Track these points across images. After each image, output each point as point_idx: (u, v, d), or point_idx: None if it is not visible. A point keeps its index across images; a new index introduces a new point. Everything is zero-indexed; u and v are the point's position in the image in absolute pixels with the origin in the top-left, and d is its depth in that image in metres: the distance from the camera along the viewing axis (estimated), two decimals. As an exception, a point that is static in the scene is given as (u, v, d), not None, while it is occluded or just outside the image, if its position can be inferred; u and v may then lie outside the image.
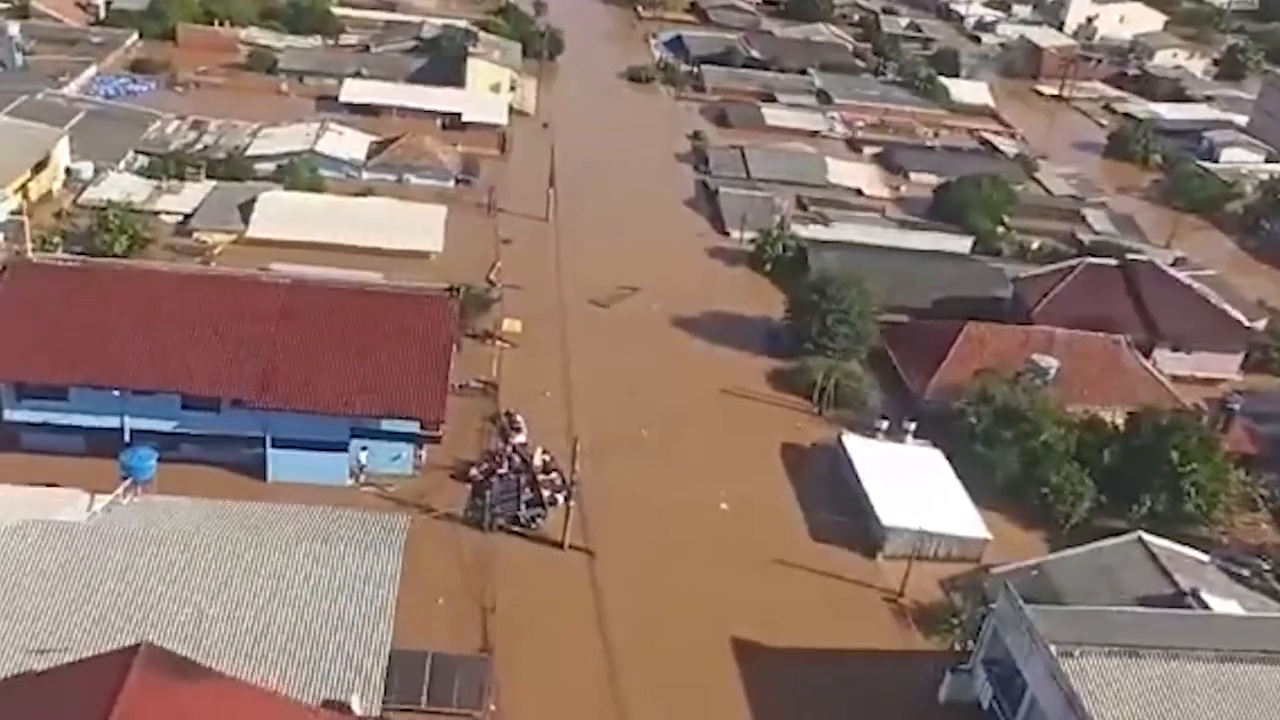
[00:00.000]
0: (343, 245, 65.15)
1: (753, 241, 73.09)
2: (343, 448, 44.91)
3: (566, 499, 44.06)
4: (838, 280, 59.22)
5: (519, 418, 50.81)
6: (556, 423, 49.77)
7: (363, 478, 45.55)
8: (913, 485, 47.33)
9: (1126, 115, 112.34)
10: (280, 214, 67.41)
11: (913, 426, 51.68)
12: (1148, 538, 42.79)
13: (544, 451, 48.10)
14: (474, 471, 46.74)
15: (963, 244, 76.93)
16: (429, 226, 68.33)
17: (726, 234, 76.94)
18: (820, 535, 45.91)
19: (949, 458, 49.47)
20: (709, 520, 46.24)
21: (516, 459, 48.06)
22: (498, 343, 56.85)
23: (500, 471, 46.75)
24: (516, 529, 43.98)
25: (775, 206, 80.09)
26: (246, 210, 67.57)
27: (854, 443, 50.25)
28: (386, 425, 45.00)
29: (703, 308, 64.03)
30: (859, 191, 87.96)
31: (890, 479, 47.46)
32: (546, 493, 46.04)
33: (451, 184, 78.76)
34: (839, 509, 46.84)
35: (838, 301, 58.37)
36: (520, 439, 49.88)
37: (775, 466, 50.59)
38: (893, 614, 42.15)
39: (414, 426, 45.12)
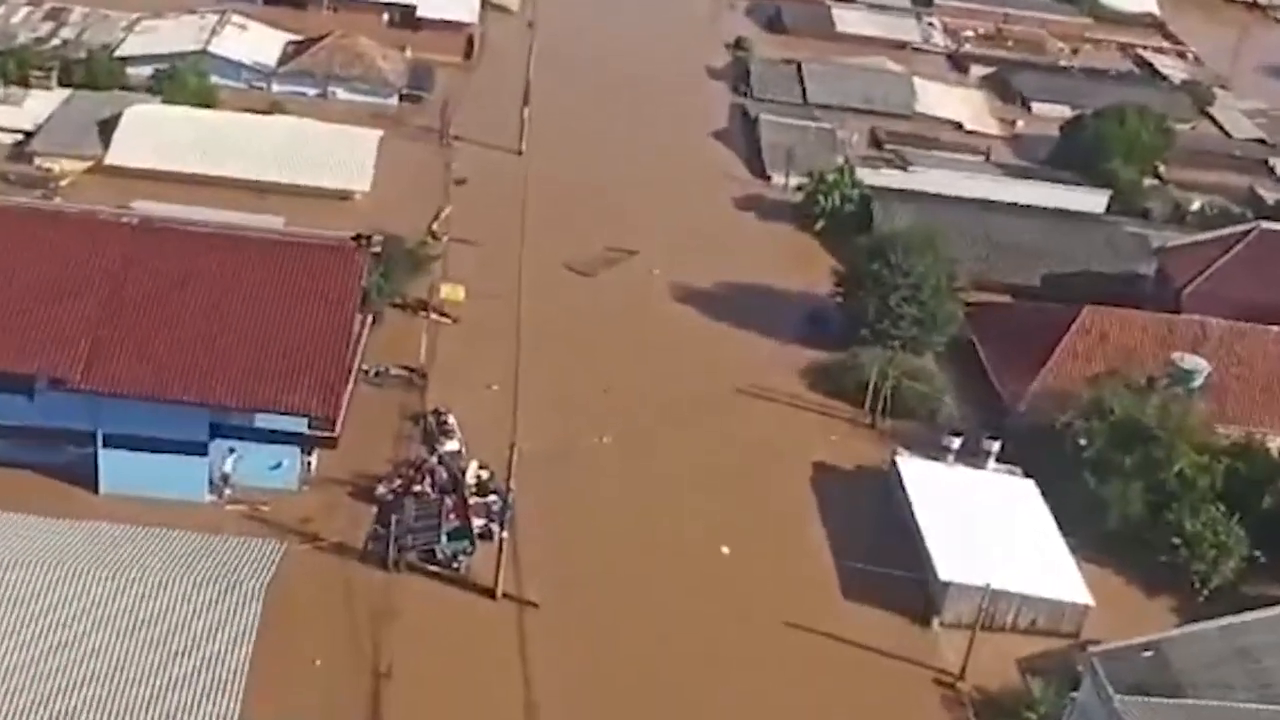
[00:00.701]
0: (233, 179, 65.69)
1: (800, 189, 73.16)
2: (200, 450, 44.84)
3: (501, 529, 43.66)
4: (906, 243, 58.84)
5: (451, 419, 50.53)
6: (503, 428, 49.40)
7: (228, 492, 45.61)
8: (988, 527, 47.01)
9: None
10: (153, 136, 67.83)
11: (995, 446, 51.05)
12: (1316, 613, 41.73)
13: (481, 466, 47.89)
14: (382, 489, 46.64)
15: (1095, 200, 76.89)
16: (354, 158, 68.63)
17: (766, 178, 77.43)
18: (856, 592, 45.39)
19: (1044, 491, 49.32)
20: (702, 567, 45.98)
21: (443, 474, 47.79)
22: (432, 316, 57.06)
23: (418, 489, 46.78)
24: (434, 568, 43.78)
25: (837, 142, 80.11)
26: (109, 130, 68.09)
27: (912, 467, 49.93)
28: (262, 422, 44.88)
29: (722, 277, 64.27)
30: (958, 126, 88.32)
31: (958, 517, 47.22)
32: (479, 521, 45.75)
33: (394, 100, 79.16)
34: (884, 557, 46.20)
35: (905, 272, 57.92)
36: (451, 447, 49.62)
37: (802, 496, 50.28)
38: (946, 703, 41.63)
39: (301, 425, 45.03)
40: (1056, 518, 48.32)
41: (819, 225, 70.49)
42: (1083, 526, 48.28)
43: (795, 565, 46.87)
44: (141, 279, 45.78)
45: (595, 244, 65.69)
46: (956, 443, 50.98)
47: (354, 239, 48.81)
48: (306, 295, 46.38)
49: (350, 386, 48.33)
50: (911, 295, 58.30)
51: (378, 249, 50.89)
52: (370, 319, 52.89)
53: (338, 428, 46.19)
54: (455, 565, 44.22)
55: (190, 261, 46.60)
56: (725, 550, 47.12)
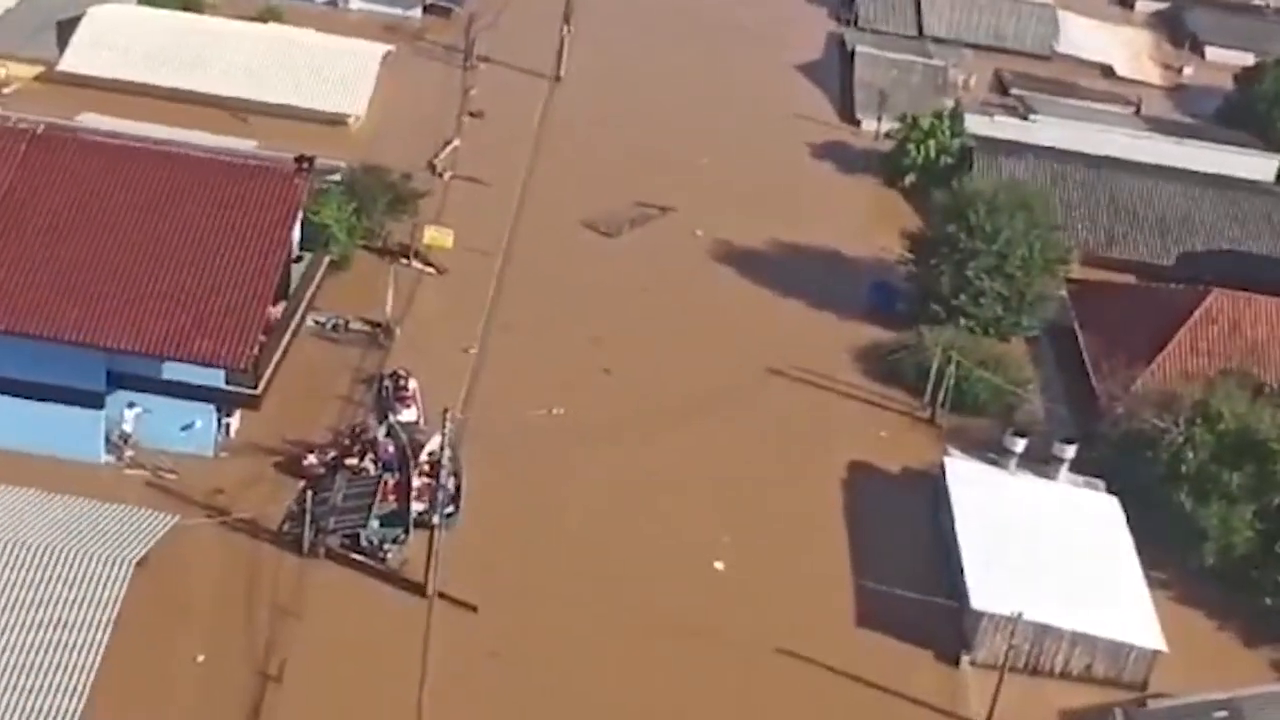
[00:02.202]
0: (208, 96, 66.01)
1: (890, 135, 72.03)
2: (95, 403, 45.01)
3: (434, 514, 42.93)
4: (993, 202, 57.88)
5: (412, 384, 50.34)
6: (475, 399, 49.40)
7: (129, 454, 45.78)
8: (1047, 549, 46.19)
9: None
10: (118, 41, 68.24)
11: (1069, 452, 49.75)
12: None
13: (446, 441, 46.20)
14: (311, 459, 46.50)
15: (1264, 166, 74.91)
16: (351, 77, 68.61)
17: (855, 122, 76.48)
18: (873, 619, 44.57)
19: (1128, 510, 48.58)
20: (687, 581, 45.18)
21: (388, 448, 47.27)
22: (414, 264, 57.59)
23: (353, 464, 46.42)
24: (358, 556, 43.42)
25: (947, 83, 78.74)
26: (69, 32, 68.54)
27: (962, 471, 49.29)
28: (171, 373, 45.18)
29: (780, 239, 64.22)
30: (1108, 71, 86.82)
31: (1008, 535, 46.50)
32: (420, 506, 45.09)
33: (417, 11, 79.56)
34: (915, 578, 45.21)
35: (989, 238, 57.10)
36: (407, 417, 49.18)
37: (827, 502, 49.65)
38: (966, 762, 41.51)
39: (217, 379, 45.27)
40: (1139, 543, 47.41)
41: (908, 180, 69.36)
42: (1172, 556, 47.69)
43: (803, 584, 46.00)
44: (33, 199, 45.83)
45: (625, 197, 65.22)
46: (1020, 445, 49.96)
47: (296, 161, 48.48)
48: (231, 226, 46.28)
49: (287, 338, 48.55)
50: (996, 266, 57.39)
51: (337, 177, 50.67)
52: (327, 261, 52.89)
53: (260, 385, 46.11)
54: (382, 555, 43.65)
55: (95, 181, 46.65)
56: (719, 565, 46.31)
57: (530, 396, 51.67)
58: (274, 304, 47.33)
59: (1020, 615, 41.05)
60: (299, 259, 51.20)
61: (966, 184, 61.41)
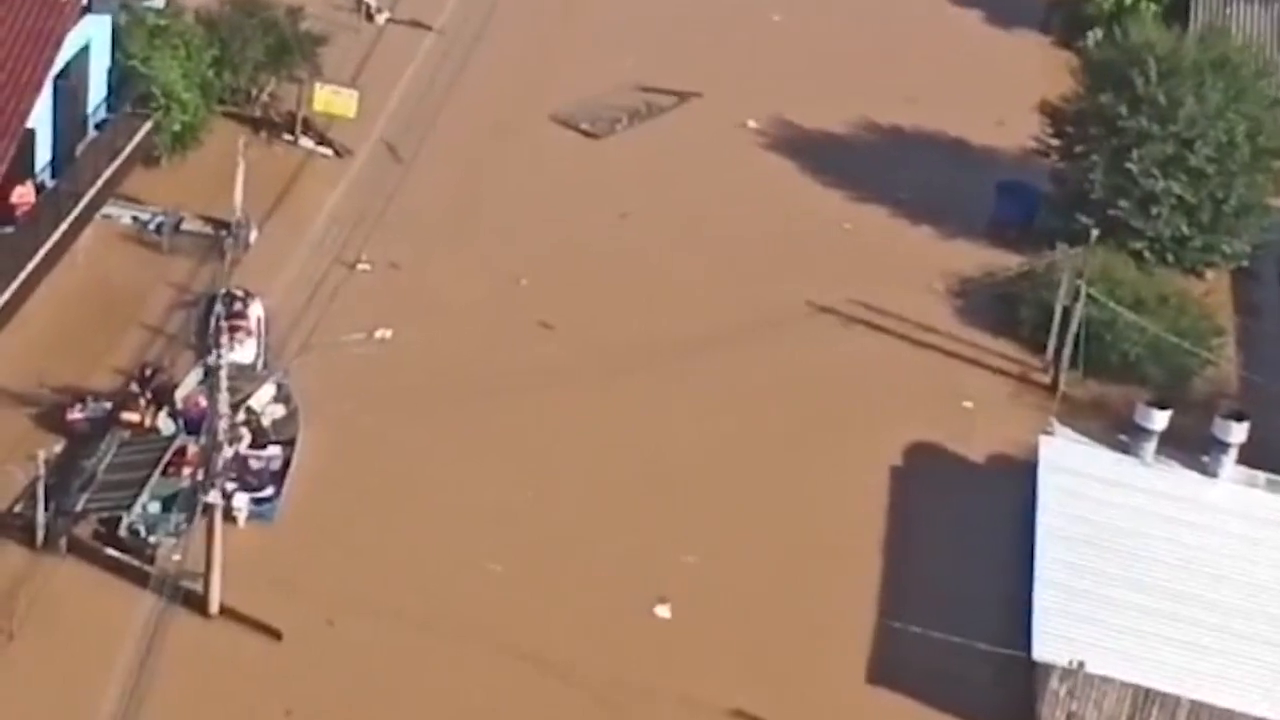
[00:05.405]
0: None
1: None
2: None
3: (209, 491, 41.44)
4: (1173, 59, 56.85)
5: (254, 310, 49.84)
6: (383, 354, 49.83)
7: None
8: (1182, 577, 45.00)
9: None
10: None
11: (1238, 434, 47.73)
12: None
13: (280, 395, 47.88)
14: (76, 414, 46.01)
15: None
16: None
17: None
18: (890, 672, 43.23)
19: None
20: (624, 606, 44.41)
21: (198, 398, 46.42)
22: (303, 140, 58.44)
23: (130, 419, 45.98)
24: (117, 548, 42.87)
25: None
26: None
27: (1061, 456, 47.93)
28: None
29: (877, 120, 65.38)
30: None
31: (1117, 554, 45.42)
32: (230, 486, 43.89)
33: None
34: (969, 615, 44.10)
35: (1163, 112, 55.73)
36: (240, 355, 48.05)
37: (865, 500, 48.71)
38: None
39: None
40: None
41: (1090, 37, 67.65)
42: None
43: (799, 619, 44.88)
44: None
45: (629, 77, 66.39)
46: (1159, 421, 47.81)
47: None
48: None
49: (59, 233, 48.59)
50: (1175, 158, 55.97)
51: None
52: (148, 127, 53.09)
53: None
54: (150, 550, 43.08)
55: None
56: (661, 612, 44.75)
57: (428, 333, 51.72)
58: (27, 181, 47.11)
59: (1082, 666, 39.54)
60: (104, 123, 50.82)
61: (1134, 31, 59.73)
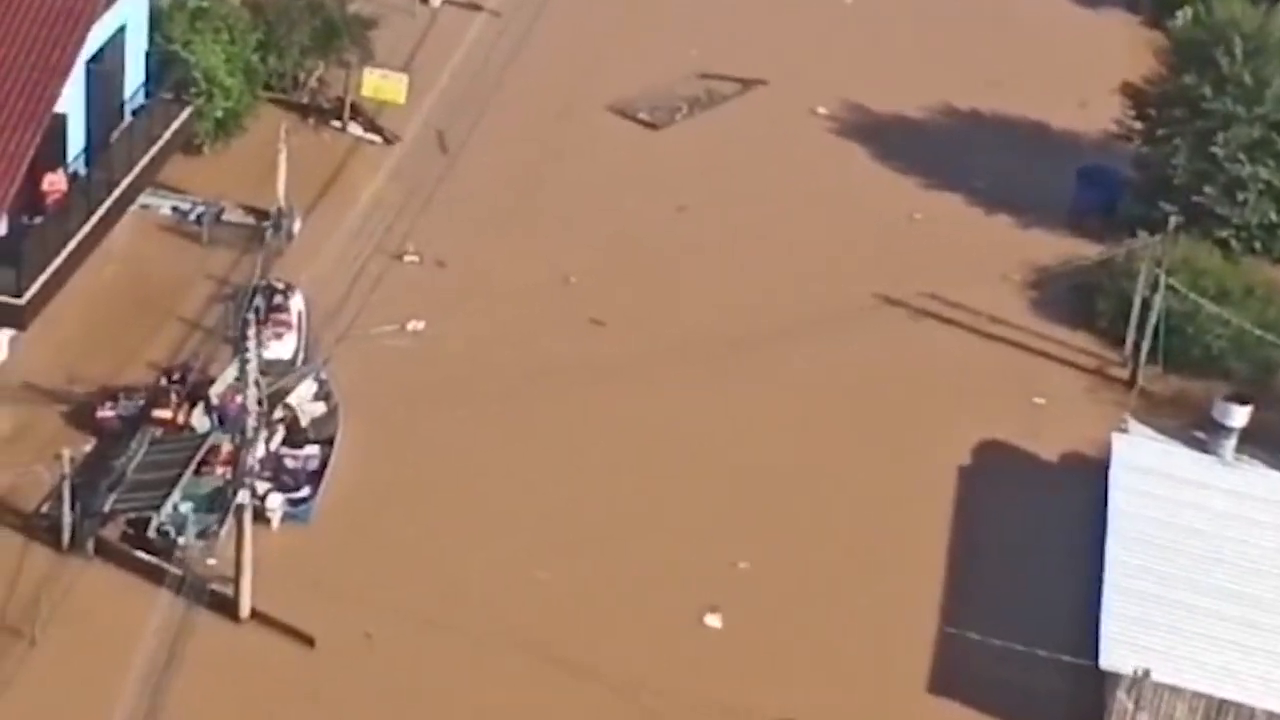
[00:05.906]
0: None
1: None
2: None
3: (234, 493, 41.85)
4: (1258, 33, 57.17)
5: (295, 303, 50.13)
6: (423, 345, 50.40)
7: None
8: (1256, 583, 44.85)
9: None
10: None
11: None
12: None
13: (322, 392, 48.05)
14: (107, 410, 46.19)
15: None
16: None
17: None
18: (954, 682, 43.16)
19: None
20: (671, 616, 44.33)
21: (234, 396, 45.92)
22: (350, 127, 58.80)
23: (163, 416, 45.98)
24: (146, 550, 43.05)
25: None
26: None
27: (1135, 454, 48.02)
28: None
29: (954, 104, 65.96)
30: None
31: (1193, 558, 45.39)
32: (263, 487, 44.40)
33: None
34: (1036, 623, 44.36)
35: (1249, 93, 56.00)
36: (278, 352, 48.63)
37: (929, 502, 48.81)
38: None
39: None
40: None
41: (1181, 16, 66.21)
42: None
43: (857, 627, 44.86)
44: None
45: (693, 64, 67.06)
46: (1240, 418, 47.75)
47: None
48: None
49: (91, 225, 48.22)
50: (1262, 142, 55.75)
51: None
52: (188, 114, 53.22)
53: (29, 291, 45.65)
54: (180, 552, 43.15)
55: None
56: (712, 621, 44.72)
57: (475, 328, 51.93)
58: (59, 169, 47.08)
59: (1148, 675, 39.53)
60: (141, 109, 50.64)
61: (1219, 8, 59.37)
